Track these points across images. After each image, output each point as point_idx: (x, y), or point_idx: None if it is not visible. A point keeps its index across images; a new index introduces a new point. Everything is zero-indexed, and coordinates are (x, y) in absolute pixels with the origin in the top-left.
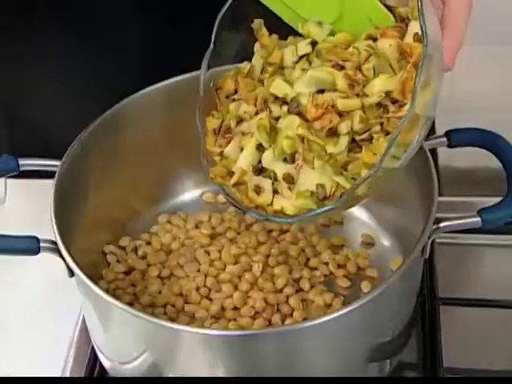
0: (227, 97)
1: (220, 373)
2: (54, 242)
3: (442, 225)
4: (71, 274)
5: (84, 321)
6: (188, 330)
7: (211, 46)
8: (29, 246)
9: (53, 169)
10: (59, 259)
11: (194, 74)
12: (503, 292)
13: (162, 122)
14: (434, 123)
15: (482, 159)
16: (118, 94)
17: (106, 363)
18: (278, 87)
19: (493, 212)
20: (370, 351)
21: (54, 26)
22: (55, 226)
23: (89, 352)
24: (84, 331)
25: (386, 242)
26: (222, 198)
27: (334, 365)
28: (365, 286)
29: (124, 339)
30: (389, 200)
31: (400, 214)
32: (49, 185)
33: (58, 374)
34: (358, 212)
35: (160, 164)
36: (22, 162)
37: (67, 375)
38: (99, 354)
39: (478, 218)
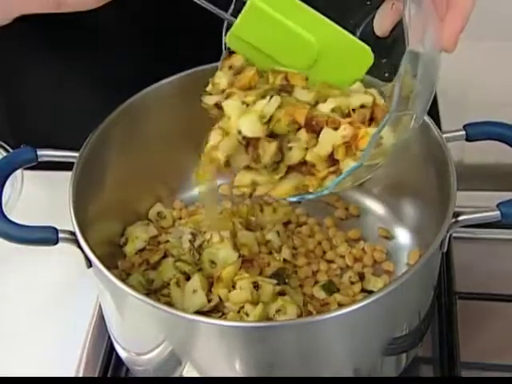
0: None
1: (237, 363)
2: (73, 233)
3: (460, 218)
4: (89, 264)
5: (100, 312)
6: (206, 321)
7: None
8: (48, 236)
9: (71, 160)
10: (77, 250)
11: (213, 65)
12: None
13: (179, 112)
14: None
15: (494, 154)
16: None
17: (123, 354)
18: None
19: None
20: (387, 345)
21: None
22: (74, 217)
23: (105, 343)
24: (100, 322)
25: (402, 235)
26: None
27: (350, 358)
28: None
29: (141, 329)
30: (406, 194)
31: (417, 207)
32: (65, 176)
33: (74, 365)
34: (375, 205)
35: (178, 155)
36: (40, 152)
37: (83, 366)
38: (116, 345)
39: (498, 212)
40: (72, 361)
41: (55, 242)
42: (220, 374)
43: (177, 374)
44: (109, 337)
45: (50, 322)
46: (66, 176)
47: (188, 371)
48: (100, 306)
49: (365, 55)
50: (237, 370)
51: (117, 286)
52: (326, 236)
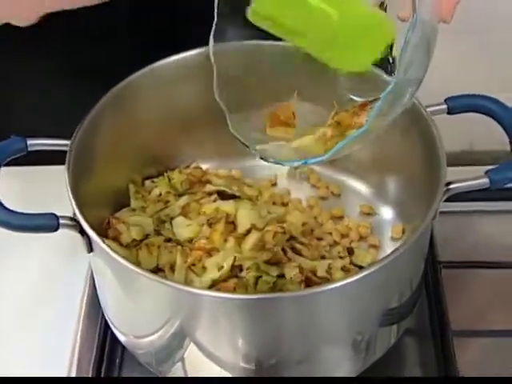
0: None
1: (239, 337)
2: (72, 219)
3: (451, 186)
4: (90, 249)
5: (91, 299)
6: (213, 294)
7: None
8: (48, 222)
9: (62, 148)
10: (57, 241)
11: (204, 48)
12: (500, 254)
13: (171, 96)
14: None
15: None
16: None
17: (123, 338)
18: None
19: (500, 172)
20: (382, 316)
21: None
22: (74, 202)
23: (97, 330)
24: (91, 309)
25: (384, 211)
26: (237, 173)
27: (348, 330)
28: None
29: (148, 310)
30: (387, 169)
31: (399, 182)
32: (37, 171)
33: (68, 357)
34: (355, 183)
35: (169, 138)
36: (30, 142)
37: (76, 357)
38: (115, 331)
39: (486, 179)
40: (65, 353)
41: (56, 228)
42: (222, 354)
43: (179, 356)
44: (102, 323)
45: (38, 313)
46: (38, 170)
47: (190, 352)
48: (87, 294)
49: (386, 29)
50: (239, 347)
51: (125, 267)
52: (311, 215)
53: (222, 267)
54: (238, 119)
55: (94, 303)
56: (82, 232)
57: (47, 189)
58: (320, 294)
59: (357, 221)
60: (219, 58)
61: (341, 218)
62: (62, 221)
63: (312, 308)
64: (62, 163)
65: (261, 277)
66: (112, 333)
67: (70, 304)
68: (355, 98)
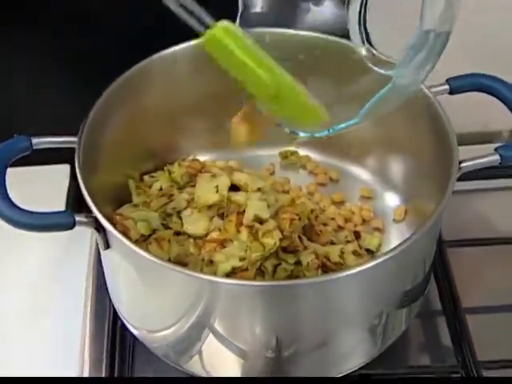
0: None
1: (259, 325)
2: (88, 216)
3: (463, 165)
4: (107, 245)
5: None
6: (232, 282)
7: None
8: (65, 220)
9: (68, 145)
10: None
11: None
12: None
13: (167, 89)
14: None
15: None
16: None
17: (137, 333)
18: None
19: (510, 148)
20: (397, 298)
21: None
22: (89, 200)
23: (106, 326)
24: (98, 305)
25: (384, 194)
26: (234, 164)
27: (365, 313)
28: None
29: (168, 302)
30: (387, 153)
31: (402, 163)
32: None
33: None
34: (353, 168)
35: (166, 132)
36: (35, 140)
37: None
38: (129, 326)
39: (497, 156)
40: (73, 353)
41: (72, 226)
42: (240, 342)
43: (197, 348)
44: (112, 318)
45: (40, 313)
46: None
47: (210, 343)
48: (94, 291)
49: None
50: (258, 335)
51: (149, 260)
52: (312, 201)
53: (244, 258)
54: None
55: (100, 301)
56: (99, 228)
57: (33, 189)
58: (345, 278)
59: (359, 204)
60: None
61: (342, 203)
62: (77, 218)
63: (333, 293)
64: (46, 163)
65: (280, 264)
66: (121, 330)
67: (73, 302)
68: None
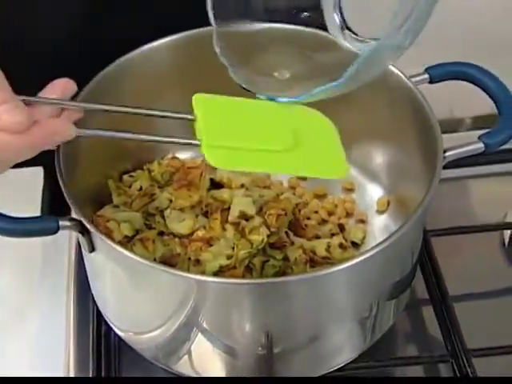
0: None
1: (249, 322)
2: (72, 219)
3: (447, 154)
4: (91, 248)
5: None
6: (221, 281)
7: None
8: (49, 225)
9: None
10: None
11: (208, 28)
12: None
13: (142, 87)
14: None
15: None
16: None
17: (126, 336)
18: None
19: (493, 136)
20: (387, 290)
21: None
22: (72, 202)
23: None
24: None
25: (365, 185)
26: None
27: (355, 307)
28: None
29: (155, 303)
30: (367, 144)
31: (384, 154)
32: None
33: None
34: None
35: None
36: None
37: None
38: (115, 329)
39: (481, 144)
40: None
41: (56, 230)
42: (230, 341)
43: (186, 348)
44: (95, 319)
45: (26, 317)
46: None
47: (199, 342)
48: (75, 292)
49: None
50: (249, 332)
51: (137, 262)
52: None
53: (231, 256)
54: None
55: (82, 301)
56: (83, 232)
57: (5, 192)
58: (335, 273)
59: (342, 197)
60: None
61: (324, 196)
62: (61, 222)
63: (323, 288)
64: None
65: (267, 261)
66: (106, 331)
67: (55, 304)
68: None
